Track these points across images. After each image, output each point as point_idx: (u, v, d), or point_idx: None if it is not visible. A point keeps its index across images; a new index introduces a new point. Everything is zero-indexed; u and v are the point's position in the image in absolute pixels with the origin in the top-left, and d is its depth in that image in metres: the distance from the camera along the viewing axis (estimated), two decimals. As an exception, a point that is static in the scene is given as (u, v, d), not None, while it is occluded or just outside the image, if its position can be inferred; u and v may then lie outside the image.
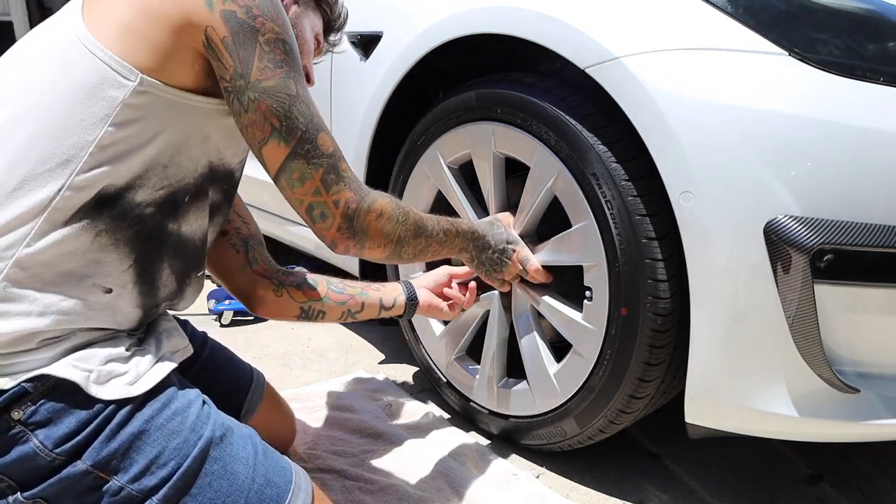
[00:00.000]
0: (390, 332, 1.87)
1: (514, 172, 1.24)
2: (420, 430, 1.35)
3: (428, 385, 1.52)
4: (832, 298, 0.88)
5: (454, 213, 1.34)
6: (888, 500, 1.17)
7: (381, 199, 0.88)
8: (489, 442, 1.33)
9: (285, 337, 1.85)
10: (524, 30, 1.08)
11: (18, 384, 0.71)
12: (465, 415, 1.39)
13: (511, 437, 1.30)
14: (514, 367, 1.28)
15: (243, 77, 0.76)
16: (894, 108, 0.85)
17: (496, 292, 1.28)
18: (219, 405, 0.87)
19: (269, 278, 1.09)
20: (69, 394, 0.73)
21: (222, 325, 1.91)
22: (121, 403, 0.75)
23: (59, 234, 0.73)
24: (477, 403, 1.34)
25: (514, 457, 1.27)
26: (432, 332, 1.42)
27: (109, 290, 0.78)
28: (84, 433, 0.73)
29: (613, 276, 1.04)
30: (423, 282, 1.25)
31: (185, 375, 0.94)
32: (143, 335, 0.87)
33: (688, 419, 1.00)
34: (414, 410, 1.41)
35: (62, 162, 0.72)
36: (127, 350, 0.80)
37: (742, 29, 0.91)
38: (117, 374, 0.77)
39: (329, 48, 1.09)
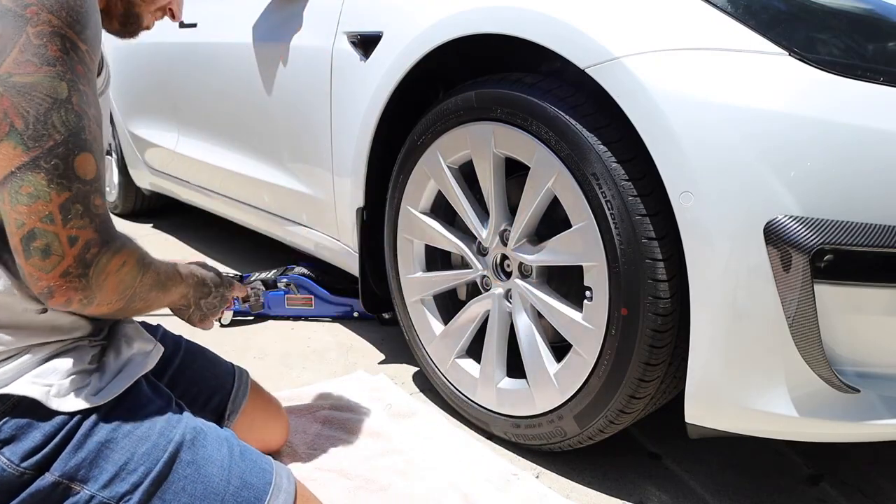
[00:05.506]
0: (390, 333, 1.87)
1: (515, 172, 1.24)
2: (420, 430, 1.35)
3: (428, 385, 1.52)
4: (832, 298, 0.88)
5: (454, 213, 1.35)
6: (888, 500, 1.17)
7: (127, 247, 0.75)
8: (489, 442, 1.33)
9: (285, 337, 1.85)
10: (524, 30, 1.08)
11: None
12: (465, 415, 1.39)
13: (511, 437, 1.30)
14: (515, 367, 1.28)
15: None
16: (894, 108, 0.85)
17: (497, 291, 1.28)
18: (200, 408, 0.86)
19: None
20: (32, 409, 0.73)
21: (222, 325, 1.91)
22: (85, 414, 0.75)
23: None
24: (477, 403, 1.34)
25: (514, 457, 1.27)
26: (432, 332, 1.42)
27: (45, 310, 0.76)
28: (50, 446, 0.73)
29: (613, 277, 1.04)
30: None
31: (160, 379, 0.93)
32: (105, 342, 0.84)
33: (688, 419, 1.00)
34: (414, 410, 1.41)
35: None
36: (90, 361, 0.79)
37: (742, 29, 0.91)
38: (80, 387, 0.76)
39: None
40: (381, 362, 1.70)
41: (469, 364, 1.37)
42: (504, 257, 1.28)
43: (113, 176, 3.49)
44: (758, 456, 1.27)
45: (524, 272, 1.25)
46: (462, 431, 1.34)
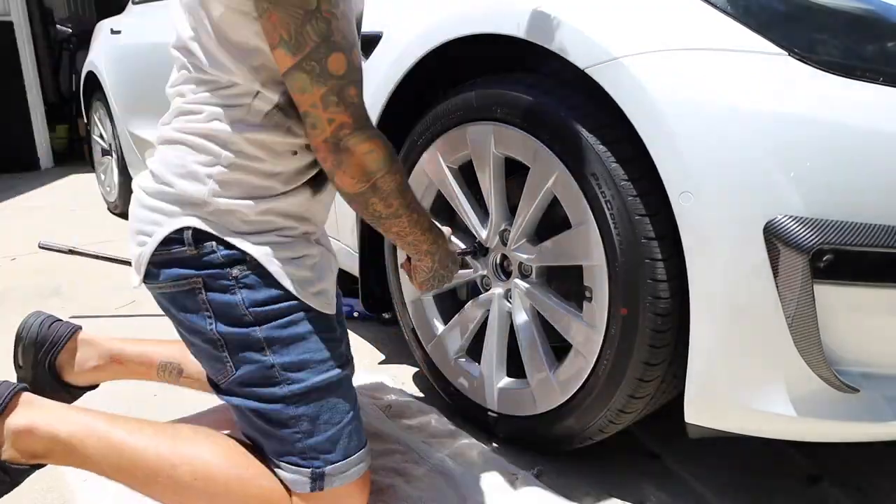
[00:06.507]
0: (390, 333, 1.87)
1: (515, 172, 1.24)
2: (420, 430, 1.35)
3: (428, 385, 1.52)
4: (832, 298, 0.88)
5: (454, 213, 1.35)
6: (888, 500, 1.17)
7: (380, 141, 0.90)
8: (489, 442, 1.33)
9: (285, 337, 1.85)
10: (524, 30, 1.08)
11: (243, 252, 0.93)
12: (465, 415, 1.39)
13: (511, 437, 1.30)
14: (515, 368, 1.28)
15: None
16: (894, 109, 0.85)
17: (497, 291, 1.28)
18: None
19: None
20: (270, 276, 0.94)
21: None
22: (303, 306, 0.96)
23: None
24: (477, 403, 1.34)
25: (514, 457, 1.27)
26: (432, 332, 1.42)
27: (295, 153, 0.95)
28: (271, 308, 0.94)
29: (613, 276, 1.04)
30: None
31: None
32: (323, 249, 1.04)
33: (687, 419, 1.00)
34: (414, 410, 1.41)
35: None
36: (319, 272, 1.00)
37: (741, 29, 0.91)
38: (308, 281, 0.97)
39: None
40: (381, 362, 1.70)
41: (469, 364, 1.37)
42: (504, 257, 1.28)
43: (113, 176, 3.49)
44: (758, 456, 1.27)
45: (524, 272, 1.25)
46: (462, 432, 1.34)
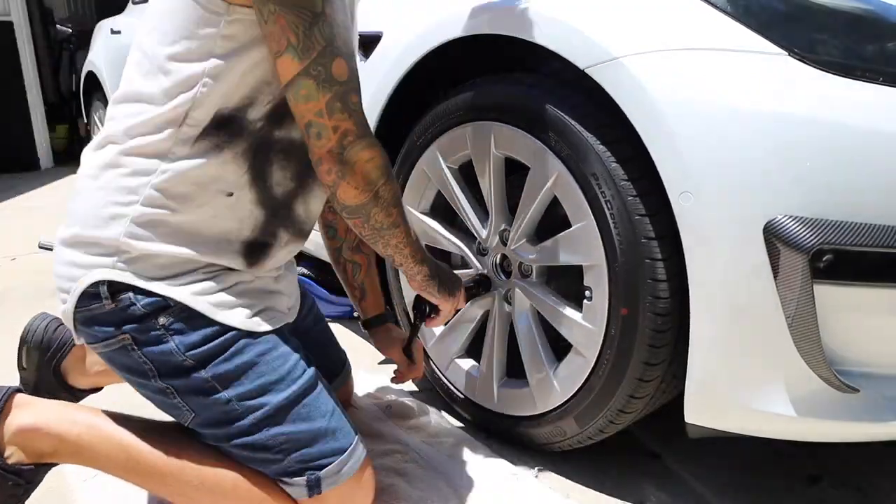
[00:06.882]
0: (390, 332, 1.87)
1: (514, 172, 1.24)
2: (420, 430, 1.35)
3: (428, 385, 1.52)
4: (831, 298, 0.88)
5: (454, 213, 1.35)
6: (888, 500, 1.17)
7: (378, 149, 0.89)
8: (489, 442, 1.33)
9: (285, 337, 1.85)
10: (524, 31, 1.08)
11: (165, 297, 0.88)
12: (464, 415, 1.39)
13: (511, 437, 1.30)
14: (514, 367, 1.28)
15: None
16: (893, 109, 0.85)
17: (497, 291, 1.28)
18: None
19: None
20: (200, 315, 0.90)
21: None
22: (242, 334, 0.92)
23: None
24: (477, 403, 1.34)
25: (514, 457, 1.27)
26: (432, 332, 1.42)
27: (230, 194, 0.90)
28: (209, 347, 0.90)
29: (613, 276, 1.04)
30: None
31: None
32: (268, 285, 1.00)
33: (687, 419, 1.00)
34: (414, 410, 1.41)
35: None
36: (252, 293, 0.96)
37: (741, 29, 0.91)
38: (243, 306, 0.93)
39: None
40: (381, 362, 1.70)
41: (469, 364, 1.37)
42: (504, 257, 1.28)
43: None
44: (758, 456, 1.27)
45: (524, 272, 1.25)
46: (462, 432, 1.34)
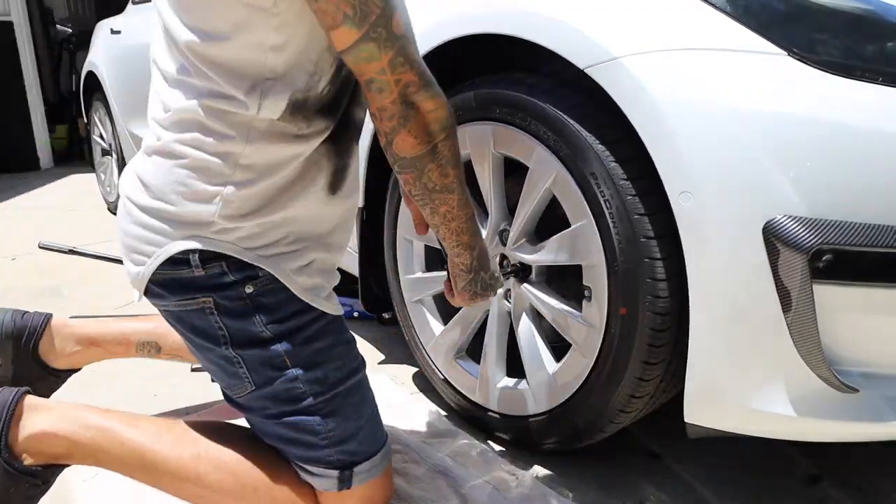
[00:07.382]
0: (390, 333, 1.87)
1: (513, 172, 1.24)
2: (420, 430, 1.35)
3: (428, 385, 1.52)
4: (831, 298, 0.88)
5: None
6: (888, 500, 1.17)
7: (442, 100, 0.86)
8: (489, 442, 1.33)
9: (285, 337, 1.84)
10: (524, 30, 1.08)
11: (255, 267, 0.91)
12: (464, 415, 1.39)
13: (511, 437, 1.30)
14: (514, 367, 1.28)
15: None
16: (893, 108, 0.85)
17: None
18: None
19: None
20: (284, 289, 0.92)
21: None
22: (318, 313, 0.95)
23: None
24: (476, 403, 1.34)
25: (514, 457, 1.27)
26: (432, 331, 1.42)
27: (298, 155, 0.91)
28: (290, 323, 0.93)
29: (612, 276, 1.04)
30: None
31: None
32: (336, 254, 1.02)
33: (687, 419, 1.00)
34: (414, 410, 1.41)
35: None
36: (320, 262, 0.97)
37: (741, 29, 0.91)
38: (321, 286, 0.96)
39: None
40: (381, 362, 1.70)
41: (469, 364, 1.37)
42: (503, 257, 1.28)
43: (113, 176, 3.49)
44: (758, 456, 1.27)
45: (523, 272, 1.24)
46: (462, 432, 1.34)
